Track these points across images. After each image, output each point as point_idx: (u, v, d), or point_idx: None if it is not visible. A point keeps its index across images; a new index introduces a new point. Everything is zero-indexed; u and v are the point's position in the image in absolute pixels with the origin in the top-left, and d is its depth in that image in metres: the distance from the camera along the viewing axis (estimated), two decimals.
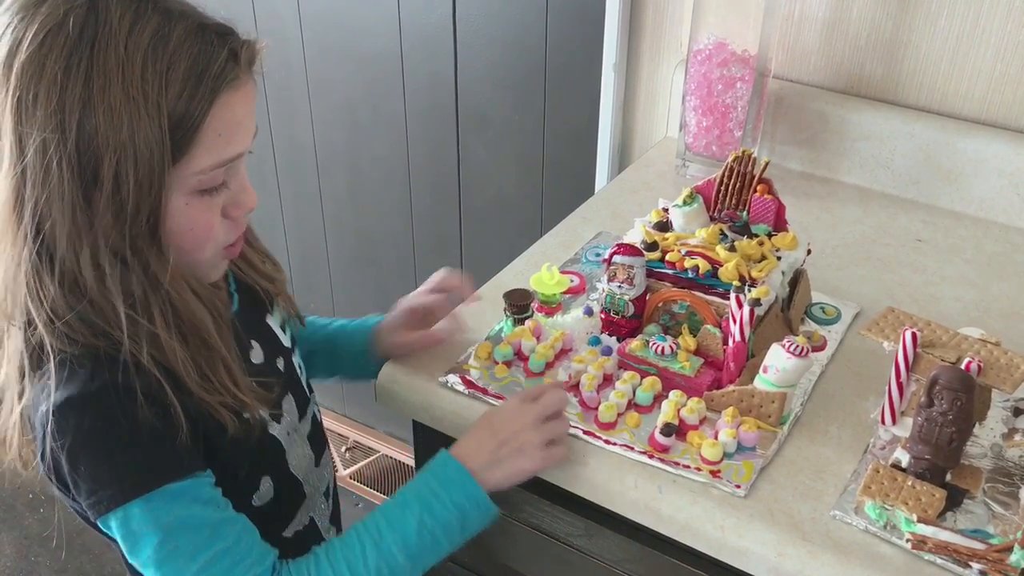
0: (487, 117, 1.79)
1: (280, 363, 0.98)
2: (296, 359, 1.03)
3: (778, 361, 0.95)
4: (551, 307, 1.12)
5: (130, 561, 0.83)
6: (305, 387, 1.03)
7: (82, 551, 2.20)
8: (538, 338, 1.06)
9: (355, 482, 2.38)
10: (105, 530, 0.83)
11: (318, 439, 1.02)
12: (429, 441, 1.08)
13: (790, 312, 1.10)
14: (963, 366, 0.89)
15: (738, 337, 0.98)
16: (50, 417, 0.78)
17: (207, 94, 0.77)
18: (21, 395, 0.81)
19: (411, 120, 1.88)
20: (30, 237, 0.76)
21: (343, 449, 2.46)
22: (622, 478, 0.92)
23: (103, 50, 0.74)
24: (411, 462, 1.13)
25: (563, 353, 1.05)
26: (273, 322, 1.00)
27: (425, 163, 1.92)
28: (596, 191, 1.64)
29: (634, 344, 1.02)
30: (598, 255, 1.22)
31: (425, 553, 0.88)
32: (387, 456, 2.44)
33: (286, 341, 1.01)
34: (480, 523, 0.90)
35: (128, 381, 0.78)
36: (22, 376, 0.81)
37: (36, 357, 0.80)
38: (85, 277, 0.77)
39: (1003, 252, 1.27)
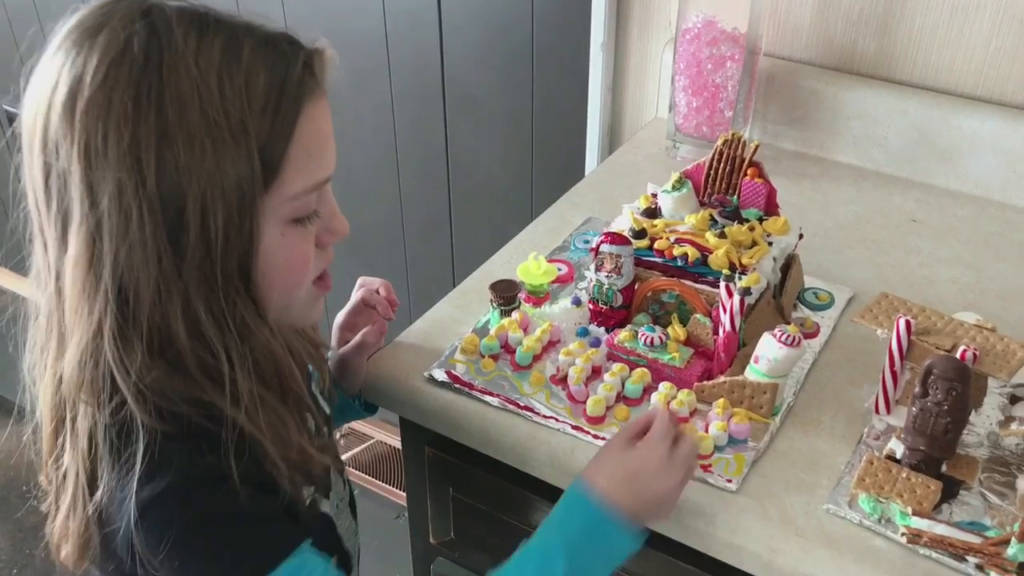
0: (474, 98, 1.76)
1: (326, 432, 0.92)
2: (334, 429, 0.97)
3: (770, 351, 0.93)
4: (539, 297, 1.09)
5: None
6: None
7: None
8: (525, 330, 1.04)
9: (351, 468, 2.37)
10: None
11: (354, 506, 0.96)
12: (416, 437, 1.06)
13: (782, 299, 1.07)
14: (958, 355, 0.87)
15: (728, 327, 0.96)
16: (143, 511, 0.69)
17: (292, 107, 0.70)
18: (92, 485, 0.73)
19: (397, 102, 1.85)
20: (111, 297, 0.68)
21: (337, 436, 2.45)
22: None
23: (173, 73, 0.67)
24: None
25: (551, 345, 1.03)
26: (316, 391, 0.93)
27: (412, 146, 1.89)
28: (586, 173, 1.61)
29: (623, 335, 1.00)
30: (587, 242, 1.20)
31: None
32: (381, 442, 2.43)
33: (327, 409, 0.95)
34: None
35: (226, 462, 0.71)
36: (92, 463, 0.73)
37: (117, 439, 0.71)
38: (177, 333, 0.70)
39: (1000, 232, 1.25)
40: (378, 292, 1.03)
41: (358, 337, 1.02)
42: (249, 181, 0.69)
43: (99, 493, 0.72)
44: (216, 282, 0.70)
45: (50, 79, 0.68)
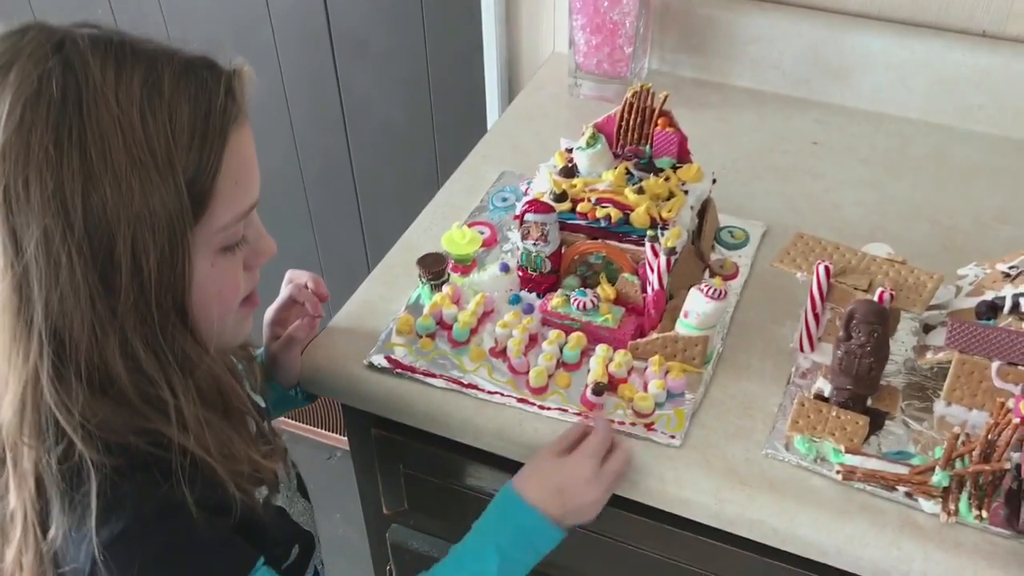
0: (364, 41, 1.70)
1: (266, 427, 0.91)
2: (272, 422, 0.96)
3: (698, 306, 0.96)
4: (466, 265, 1.10)
5: None
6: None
7: None
8: (458, 303, 1.04)
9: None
10: None
11: (303, 487, 0.96)
12: (360, 420, 1.06)
13: (700, 243, 1.10)
14: (876, 297, 0.91)
15: (657, 285, 0.98)
16: (104, 551, 0.69)
17: (217, 138, 0.69)
18: (43, 524, 0.72)
19: (283, 50, 1.77)
20: (46, 341, 0.67)
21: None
22: None
23: (94, 111, 0.65)
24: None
25: (486, 316, 1.04)
26: (248, 390, 0.92)
27: (304, 94, 1.82)
28: (488, 114, 1.60)
29: (555, 301, 1.02)
30: (505, 200, 1.20)
31: None
32: None
33: (262, 403, 0.95)
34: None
35: (179, 490, 0.71)
36: (42, 504, 0.72)
37: (65, 481, 0.70)
38: (117, 371, 0.69)
39: (895, 147, 1.30)
40: (307, 287, 1.01)
41: (287, 333, 1.01)
42: (179, 217, 0.68)
43: (51, 534, 0.72)
44: (152, 318, 0.70)
45: None
